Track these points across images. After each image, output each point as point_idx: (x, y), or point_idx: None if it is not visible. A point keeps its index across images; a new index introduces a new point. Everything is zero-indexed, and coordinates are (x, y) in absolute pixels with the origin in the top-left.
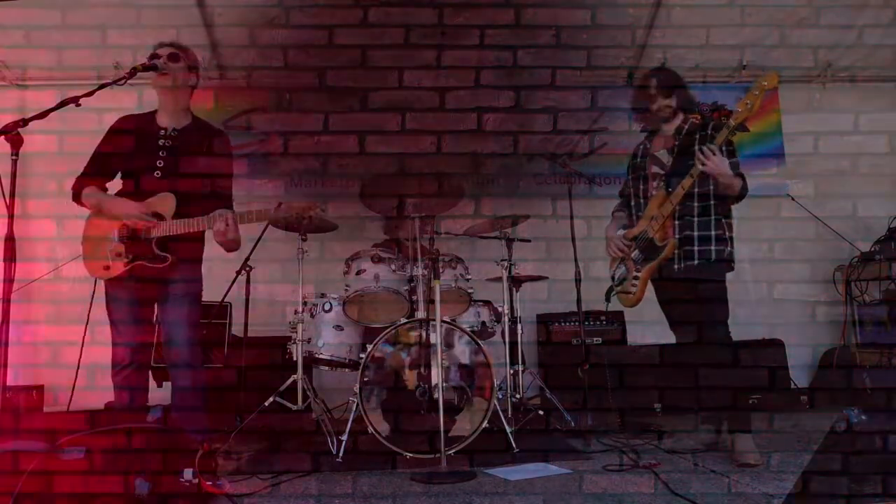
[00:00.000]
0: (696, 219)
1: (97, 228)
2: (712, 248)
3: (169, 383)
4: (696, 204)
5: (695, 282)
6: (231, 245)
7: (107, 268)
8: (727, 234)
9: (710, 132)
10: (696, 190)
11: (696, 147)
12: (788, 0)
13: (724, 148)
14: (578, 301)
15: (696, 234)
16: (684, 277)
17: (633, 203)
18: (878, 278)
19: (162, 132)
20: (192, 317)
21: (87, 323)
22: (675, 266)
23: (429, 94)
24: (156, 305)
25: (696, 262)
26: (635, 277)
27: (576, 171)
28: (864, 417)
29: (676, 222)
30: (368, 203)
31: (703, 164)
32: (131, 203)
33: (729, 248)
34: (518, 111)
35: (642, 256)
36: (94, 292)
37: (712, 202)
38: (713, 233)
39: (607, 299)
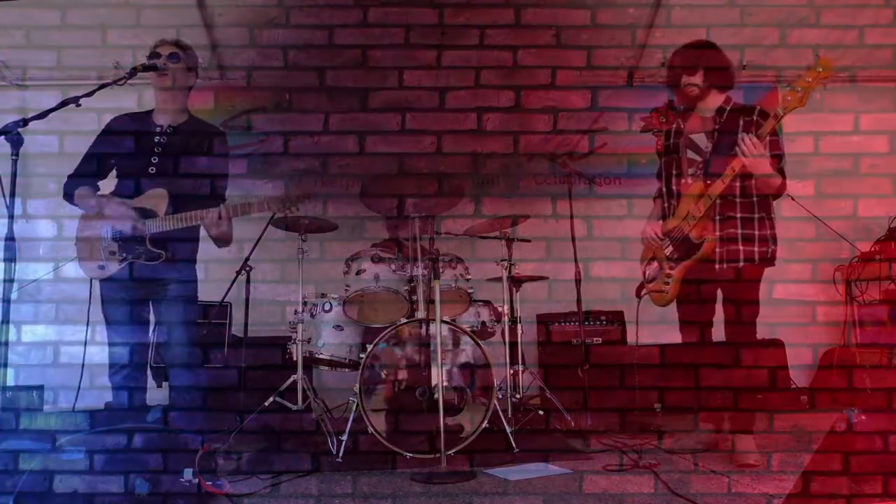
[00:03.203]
0: (739, 216)
1: (90, 228)
2: (754, 248)
3: (169, 383)
4: (738, 199)
5: (733, 282)
6: (223, 239)
7: (101, 267)
8: (770, 232)
9: (755, 118)
10: (738, 183)
11: (740, 135)
12: (788, 0)
13: (768, 140)
14: (578, 301)
15: (739, 232)
16: (724, 278)
17: (665, 189)
18: (878, 278)
19: (158, 129)
20: (188, 317)
21: (87, 323)
22: (717, 266)
23: (429, 94)
24: (151, 306)
25: (740, 262)
26: (668, 276)
27: (576, 171)
28: (864, 417)
29: (717, 218)
30: (368, 203)
31: (742, 155)
32: (122, 205)
33: (773, 247)
34: (518, 111)
35: (676, 254)
36: (90, 292)
37: (755, 198)
38: (757, 232)
39: (638, 296)
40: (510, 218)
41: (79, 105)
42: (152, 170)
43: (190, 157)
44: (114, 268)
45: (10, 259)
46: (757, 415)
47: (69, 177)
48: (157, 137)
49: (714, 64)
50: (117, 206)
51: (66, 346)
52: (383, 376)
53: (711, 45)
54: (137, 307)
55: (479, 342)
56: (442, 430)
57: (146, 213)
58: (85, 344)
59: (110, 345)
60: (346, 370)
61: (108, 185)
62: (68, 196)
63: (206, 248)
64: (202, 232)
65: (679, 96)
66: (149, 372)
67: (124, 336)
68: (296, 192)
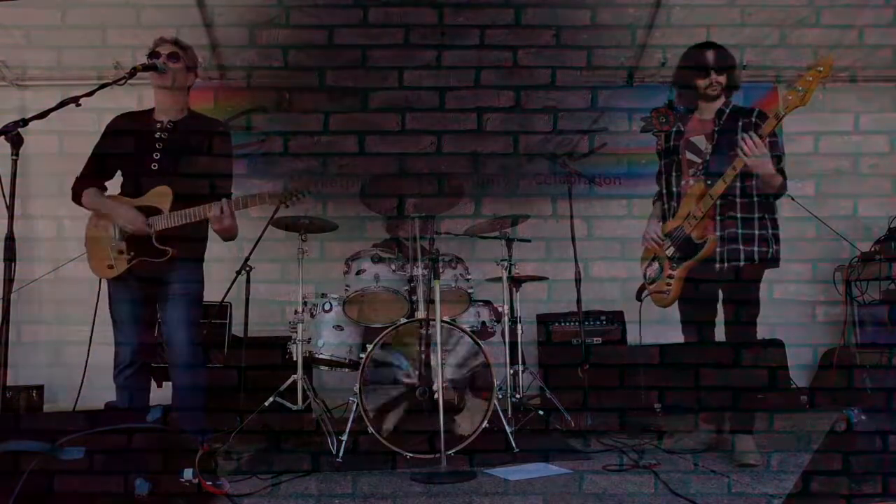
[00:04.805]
0: (740, 216)
1: (99, 228)
2: (755, 248)
3: (169, 383)
4: (739, 199)
5: (734, 282)
6: (227, 232)
7: (110, 266)
8: (771, 232)
9: (754, 119)
10: (738, 183)
11: (740, 135)
12: (788, 0)
13: (768, 140)
14: (578, 301)
15: (740, 232)
16: (725, 278)
17: (665, 192)
18: (878, 278)
19: (158, 125)
20: (192, 317)
21: (93, 322)
22: (717, 265)
23: (429, 94)
24: (157, 305)
25: (741, 262)
26: (670, 276)
27: (576, 171)
28: (864, 417)
29: (718, 219)
30: (368, 203)
31: (745, 155)
32: (131, 211)
33: (775, 247)
34: (518, 111)
35: (678, 254)
36: (98, 292)
37: (756, 198)
38: (757, 232)
39: (639, 299)
40: (510, 218)
41: (79, 105)
42: (155, 166)
43: (192, 151)
44: (122, 267)
45: (10, 259)
46: (757, 415)
47: (77, 178)
48: (158, 133)
49: (732, 65)
50: (125, 211)
51: (66, 345)
52: (383, 376)
53: (723, 46)
54: (145, 307)
55: (479, 342)
56: (442, 430)
57: (151, 211)
58: (90, 343)
59: (117, 344)
60: (346, 370)
61: (114, 184)
62: (76, 197)
63: (208, 248)
64: (210, 232)
65: (683, 97)
66: None
67: (131, 335)
68: (295, 186)
